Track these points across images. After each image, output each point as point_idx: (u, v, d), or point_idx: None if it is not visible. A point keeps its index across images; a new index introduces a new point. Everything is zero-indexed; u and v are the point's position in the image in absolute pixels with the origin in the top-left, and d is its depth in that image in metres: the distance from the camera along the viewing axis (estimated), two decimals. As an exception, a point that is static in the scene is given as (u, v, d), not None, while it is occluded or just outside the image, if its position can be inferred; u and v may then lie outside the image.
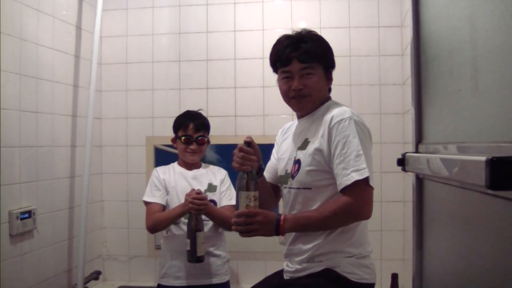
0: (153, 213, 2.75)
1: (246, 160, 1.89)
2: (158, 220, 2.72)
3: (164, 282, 2.78)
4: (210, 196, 2.80)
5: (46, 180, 2.88)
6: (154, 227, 2.76)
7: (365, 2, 3.34)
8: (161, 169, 2.90)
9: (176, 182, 2.82)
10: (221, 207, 2.84)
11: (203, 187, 2.79)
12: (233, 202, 2.72)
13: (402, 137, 3.24)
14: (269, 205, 2.12)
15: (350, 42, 3.34)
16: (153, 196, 2.79)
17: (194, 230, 2.57)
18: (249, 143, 1.94)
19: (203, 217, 2.65)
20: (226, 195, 2.85)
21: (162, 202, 2.78)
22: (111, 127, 3.60)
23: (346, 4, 3.35)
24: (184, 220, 2.70)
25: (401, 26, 3.27)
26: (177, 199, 2.77)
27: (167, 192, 2.81)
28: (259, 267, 3.34)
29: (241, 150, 1.91)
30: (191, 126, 2.79)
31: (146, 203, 2.80)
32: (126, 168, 3.58)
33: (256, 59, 3.41)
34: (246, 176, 1.88)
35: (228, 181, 2.91)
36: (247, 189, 1.87)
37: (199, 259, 2.60)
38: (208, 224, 2.76)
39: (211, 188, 2.83)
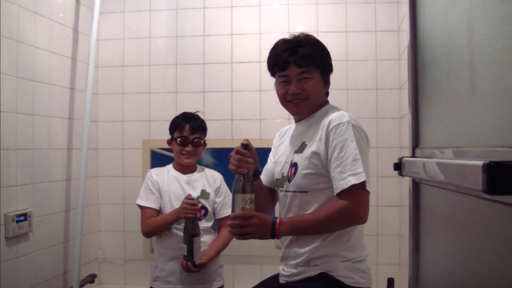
0: (147, 218, 2.73)
1: (242, 162, 1.89)
2: (153, 226, 2.71)
3: (156, 286, 2.76)
4: (203, 202, 2.78)
5: (42, 182, 2.88)
6: (149, 233, 2.77)
7: (362, 6, 3.35)
8: (155, 171, 2.88)
9: (169, 186, 2.80)
10: (220, 218, 2.84)
11: (196, 193, 2.77)
12: None
13: (398, 141, 3.25)
14: (265, 208, 2.11)
15: (347, 46, 3.35)
16: (147, 200, 2.77)
17: (191, 235, 2.57)
18: (246, 145, 1.93)
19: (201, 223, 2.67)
20: (226, 207, 2.83)
21: (156, 206, 2.77)
22: (107, 130, 3.59)
23: (343, 8, 3.36)
24: (176, 225, 2.70)
25: (398, 30, 3.28)
26: (169, 203, 2.75)
27: (161, 196, 2.80)
28: (255, 271, 3.33)
29: (237, 152, 1.91)
30: (187, 127, 2.77)
31: (140, 207, 2.79)
32: (123, 171, 3.57)
33: (253, 63, 3.41)
34: (242, 178, 1.87)
35: (224, 190, 2.88)
36: (243, 192, 1.86)
37: (195, 265, 2.59)
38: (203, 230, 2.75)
39: (204, 194, 2.81)
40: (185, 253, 2.58)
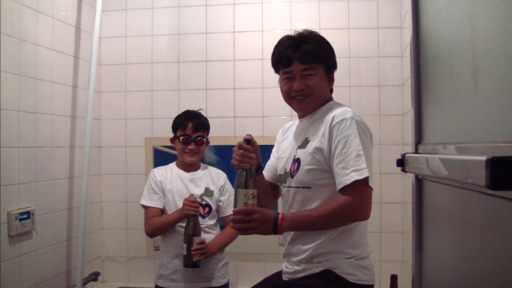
0: (151, 217, 2.74)
1: (245, 157, 1.88)
2: (156, 226, 2.72)
3: (161, 284, 2.76)
4: (207, 200, 2.79)
5: (45, 181, 2.88)
6: (152, 233, 2.78)
7: (365, 3, 3.34)
8: (158, 171, 2.89)
9: (172, 185, 2.80)
10: (225, 216, 2.85)
11: (199, 191, 2.78)
12: None
13: (401, 138, 3.24)
14: (267, 204, 2.11)
15: (349, 43, 3.34)
16: (150, 200, 2.78)
17: (191, 235, 2.58)
18: (248, 140, 1.93)
19: (201, 221, 2.67)
20: (231, 205, 2.82)
21: (160, 206, 2.77)
22: (110, 128, 3.59)
23: (346, 5, 3.36)
24: (181, 224, 2.69)
25: (401, 27, 3.27)
26: (173, 202, 2.76)
27: (164, 195, 2.80)
28: (258, 269, 3.33)
29: (240, 147, 1.90)
30: (190, 125, 2.77)
31: (144, 206, 2.80)
32: (125, 169, 3.57)
33: (255, 60, 3.41)
34: (245, 173, 1.87)
35: (228, 189, 2.88)
36: (246, 187, 1.86)
37: (195, 265, 2.60)
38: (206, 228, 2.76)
39: (208, 192, 2.81)
40: (185, 253, 2.59)
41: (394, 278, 2.49)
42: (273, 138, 2.32)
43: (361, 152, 1.79)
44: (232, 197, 2.82)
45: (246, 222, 1.83)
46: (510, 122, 0.94)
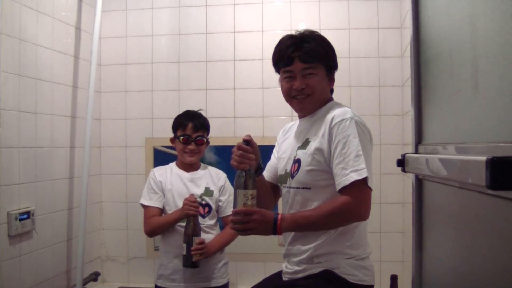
0: (150, 217, 2.74)
1: (244, 158, 1.89)
2: (156, 225, 2.72)
3: (160, 284, 2.76)
4: (207, 200, 2.79)
5: (45, 181, 2.88)
6: (152, 232, 2.79)
7: (365, 3, 3.34)
8: (158, 170, 2.89)
9: (172, 184, 2.80)
10: (224, 216, 2.85)
11: (199, 190, 2.78)
12: None
13: (401, 138, 3.24)
14: (268, 204, 2.11)
15: (349, 43, 3.34)
16: (150, 199, 2.78)
17: (190, 235, 2.58)
18: (248, 141, 1.93)
19: (200, 221, 2.67)
20: (231, 205, 2.82)
21: (159, 205, 2.77)
22: (110, 128, 3.59)
23: (346, 5, 3.35)
24: (181, 223, 2.69)
25: (401, 27, 3.27)
26: (173, 202, 2.76)
27: (164, 195, 2.80)
28: (258, 269, 3.33)
29: (239, 148, 1.90)
30: (190, 125, 2.77)
31: (144, 206, 2.80)
32: (125, 169, 3.57)
33: (256, 60, 3.41)
34: (244, 174, 1.87)
35: (228, 188, 2.88)
36: (245, 188, 1.86)
37: (195, 265, 2.60)
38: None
39: (208, 192, 2.81)
40: (185, 253, 2.59)
41: (394, 278, 2.49)
42: (273, 139, 2.32)
43: (360, 152, 1.79)
44: (232, 197, 2.83)
45: (245, 223, 1.83)
46: (510, 122, 0.94)
